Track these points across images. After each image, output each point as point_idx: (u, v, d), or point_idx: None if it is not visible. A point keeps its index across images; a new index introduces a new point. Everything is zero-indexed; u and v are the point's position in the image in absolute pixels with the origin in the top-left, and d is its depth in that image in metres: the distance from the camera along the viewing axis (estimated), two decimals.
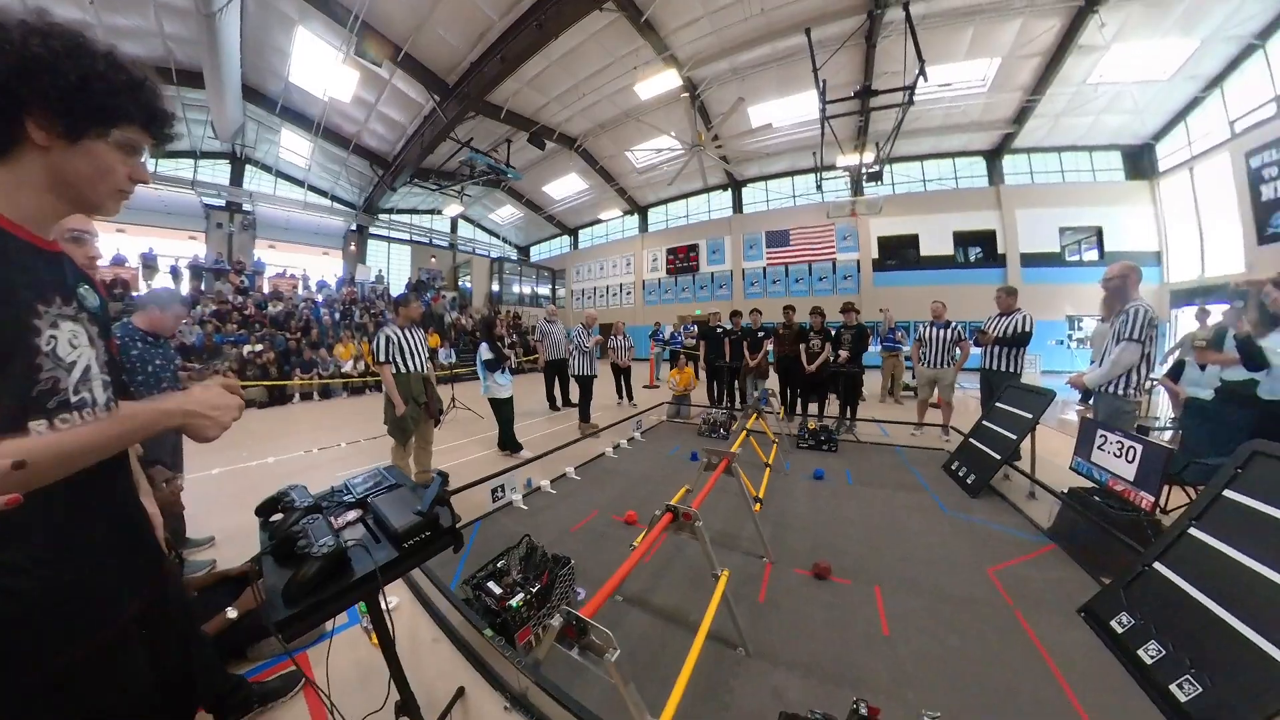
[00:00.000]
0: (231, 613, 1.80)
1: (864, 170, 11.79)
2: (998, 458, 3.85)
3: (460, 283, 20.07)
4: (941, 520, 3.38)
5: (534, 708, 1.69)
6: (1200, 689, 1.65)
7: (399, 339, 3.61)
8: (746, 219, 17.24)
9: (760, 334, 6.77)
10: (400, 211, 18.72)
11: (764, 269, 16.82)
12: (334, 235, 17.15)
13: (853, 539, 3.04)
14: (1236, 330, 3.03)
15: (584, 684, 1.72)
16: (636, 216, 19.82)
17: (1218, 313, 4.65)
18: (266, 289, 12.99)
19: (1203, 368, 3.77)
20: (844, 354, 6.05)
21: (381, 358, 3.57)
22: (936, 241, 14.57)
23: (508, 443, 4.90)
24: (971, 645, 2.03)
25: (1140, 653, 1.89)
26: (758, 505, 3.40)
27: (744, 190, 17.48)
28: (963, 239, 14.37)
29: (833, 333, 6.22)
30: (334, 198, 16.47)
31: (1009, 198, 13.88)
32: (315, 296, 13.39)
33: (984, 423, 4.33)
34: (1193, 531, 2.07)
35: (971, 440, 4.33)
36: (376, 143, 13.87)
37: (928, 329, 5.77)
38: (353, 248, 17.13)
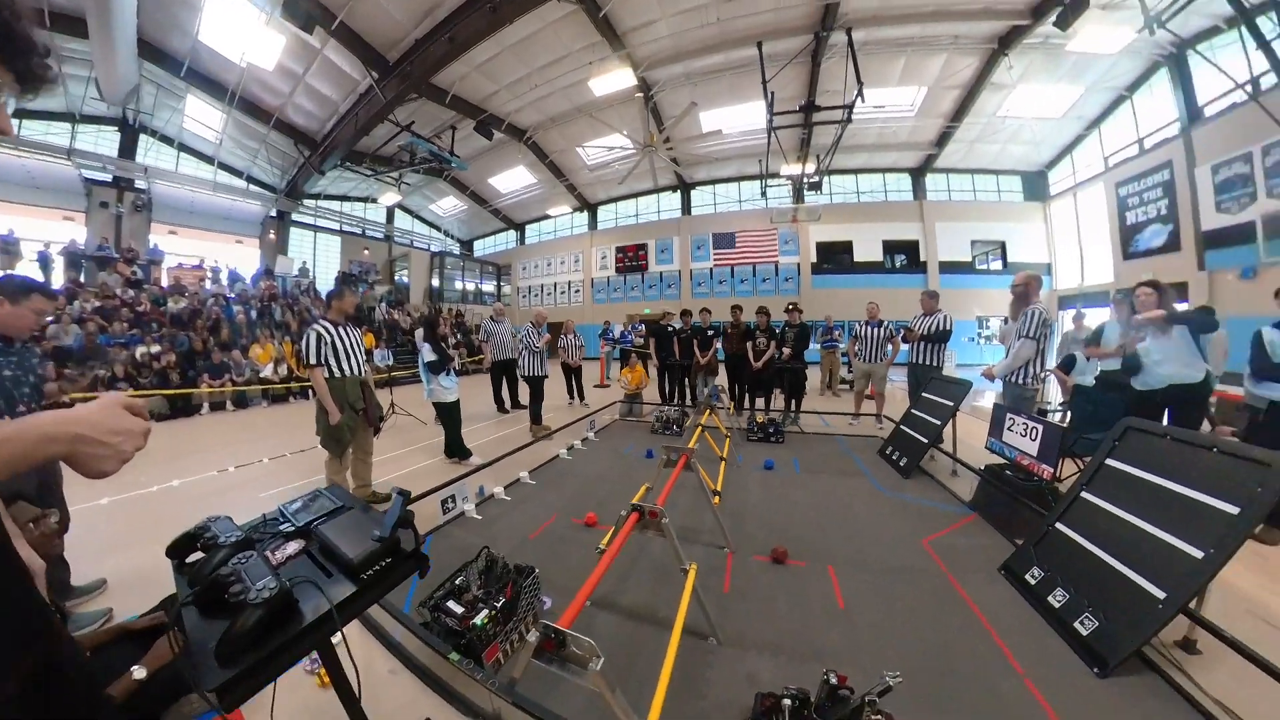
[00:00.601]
0: (139, 672, 1.36)
1: (805, 180, 12.65)
2: (925, 441, 4.29)
3: (396, 277, 18.90)
4: (880, 500, 3.71)
5: None
6: (1097, 623, 1.97)
7: (332, 337, 3.24)
8: (695, 220, 17.71)
9: (710, 333, 7.03)
10: (329, 198, 17.16)
11: (711, 270, 17.34)
12: (249, 221, 15.06)
13: (804, 523, 3.26)
14: (1129, 322, 3.68)
15: (560, 695, 1.69)
16: (586, 214, 19.70)
17: (1094, 315, 5.45)
18: (165, 281, 11.30)
19: (1088, 359, 4.44)
20: (788, 351, 6.42)
21: (312, 359, 3.17)
22: (868, 248, 15.82)
23: (455, 449, 4.64)
24: (915, 609, 2.28)
25: (1050, 599, 2.22)
26: (716, 498, 3.48)
27: (693, 192, 17.94)
28: (890, 247, 15.73)
29: (777, 331, 6.58)
30: (250, 179, 14.70)
31: (930, 211, 15.42)
32: (227, 291, 11.81)
33: (912, 411, 4.80)
34: (1084, 495, 2.45)
35: (902, 427, 4.78)
36: (303, 119, 12.49)
37: (863, 327, 6.33)
38: (272, 236, 15.20)
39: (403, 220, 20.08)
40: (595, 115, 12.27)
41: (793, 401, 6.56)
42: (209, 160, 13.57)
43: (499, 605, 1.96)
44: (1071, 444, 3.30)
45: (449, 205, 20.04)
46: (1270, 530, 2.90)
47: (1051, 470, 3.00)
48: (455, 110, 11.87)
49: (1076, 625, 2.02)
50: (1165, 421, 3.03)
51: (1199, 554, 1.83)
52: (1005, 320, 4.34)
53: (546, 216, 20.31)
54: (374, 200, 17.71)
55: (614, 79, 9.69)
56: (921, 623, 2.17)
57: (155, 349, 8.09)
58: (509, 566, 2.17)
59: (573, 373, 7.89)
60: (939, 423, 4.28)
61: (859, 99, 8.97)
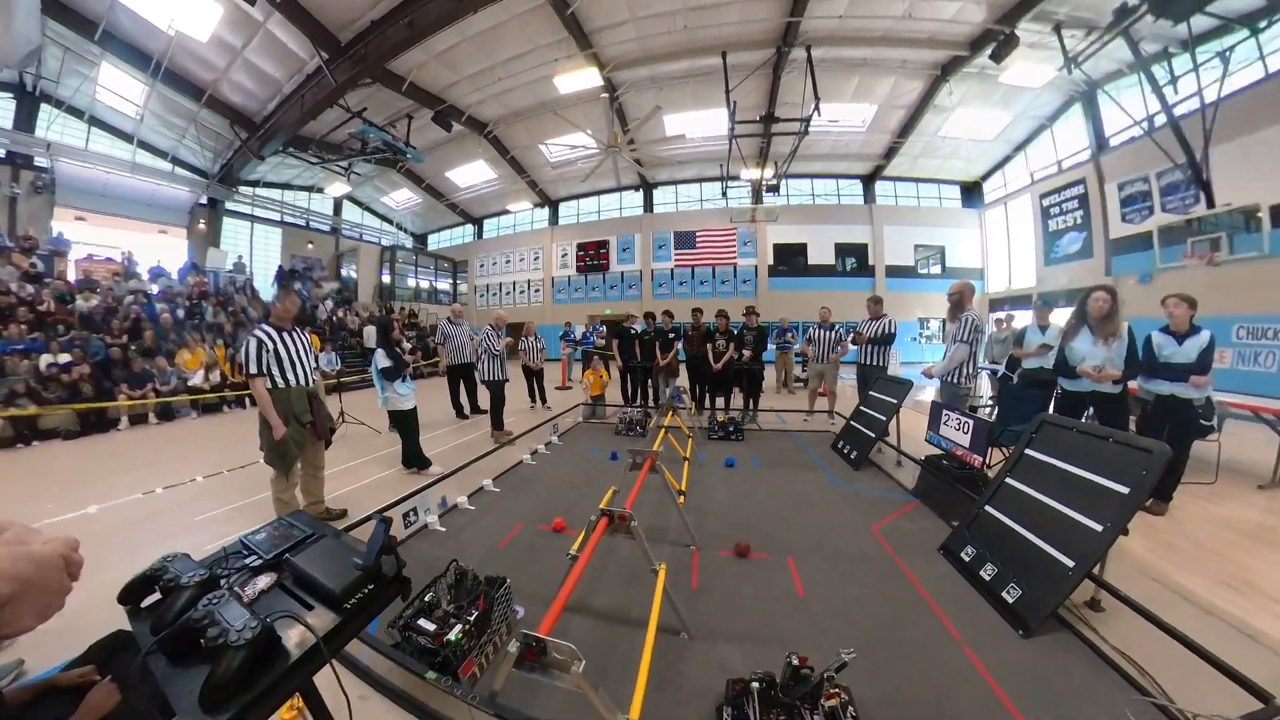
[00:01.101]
0: None
1: (764, 183, 13.15)
2: (873, 435, 4.65)
3: (344, 273, 17.89)
4: (833, 492, 3.98)
5: None
6: (1021, 591, 2.26)
7: (274, 344, 2.99)
8: (656, 218, 17.92)
9: (671, 335, 7.22)
10: (270, 185, 15.86)
11: (672, 270, 17.62)
12: (175, 209, 13.66)
13: (765, 517, 3.46)
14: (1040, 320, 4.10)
15: (539, 702, 1.72)
16: (547, 210, 19.47)
17: (1021, 317, 6.02)
18: (73, 275, 10.09)
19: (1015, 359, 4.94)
20: (747, 353, 6.69)
21: (252, 368, 2.93)
22: (821, 251, 16.62)
23: (414, 459, 4.48)
24: (867, 591, 2.50)
25: (981, 573, 2.51)
26: (681, 498, 3.57)
27: (655, 191, 18.15)
28: (842, 250, 16.59)
29: (735, 332, 6.84)
30: (177, 161, 13.18)
31: (879, 215, 16.40)
32: (149, 287, 10.67)
33: (861, 408, 5.17)
34: (1008, 481, 2.77)
35: (852, 423, 5.13)
36: (241, 98, 11.38)
37: (816, 330, 6.72)
38: (202, 226, 13.91)
39: (351, 212, 19.08)
40: (560, 113, 12.20)
41: (751, 400, 6.84)
42: (127, 138, 12.19)
43: (472, 619, 1.94)
44: (998, 436, 3.68)
45: (402, 198, 19.24)
46: (1158, 504, 3.40)
47: (981, 459, 3.35)
48: (412, 99, 11.42)
49: (1004, 595, 2.31)
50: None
51: (1099, 527, 2.14)
52: (943, 323, 4.76)
53: (506, 211, 19.90)
54: (320, 190, 16.68)
55: (580, 78, 9.69)
56: (872, 602, 2.40)
57: (64, 357, 7.07)
58: (479, 578, 2.15)
59: (534, 375, 7.79)
60: (885, 418, 4.64)
61: (816, 113, 9.47)
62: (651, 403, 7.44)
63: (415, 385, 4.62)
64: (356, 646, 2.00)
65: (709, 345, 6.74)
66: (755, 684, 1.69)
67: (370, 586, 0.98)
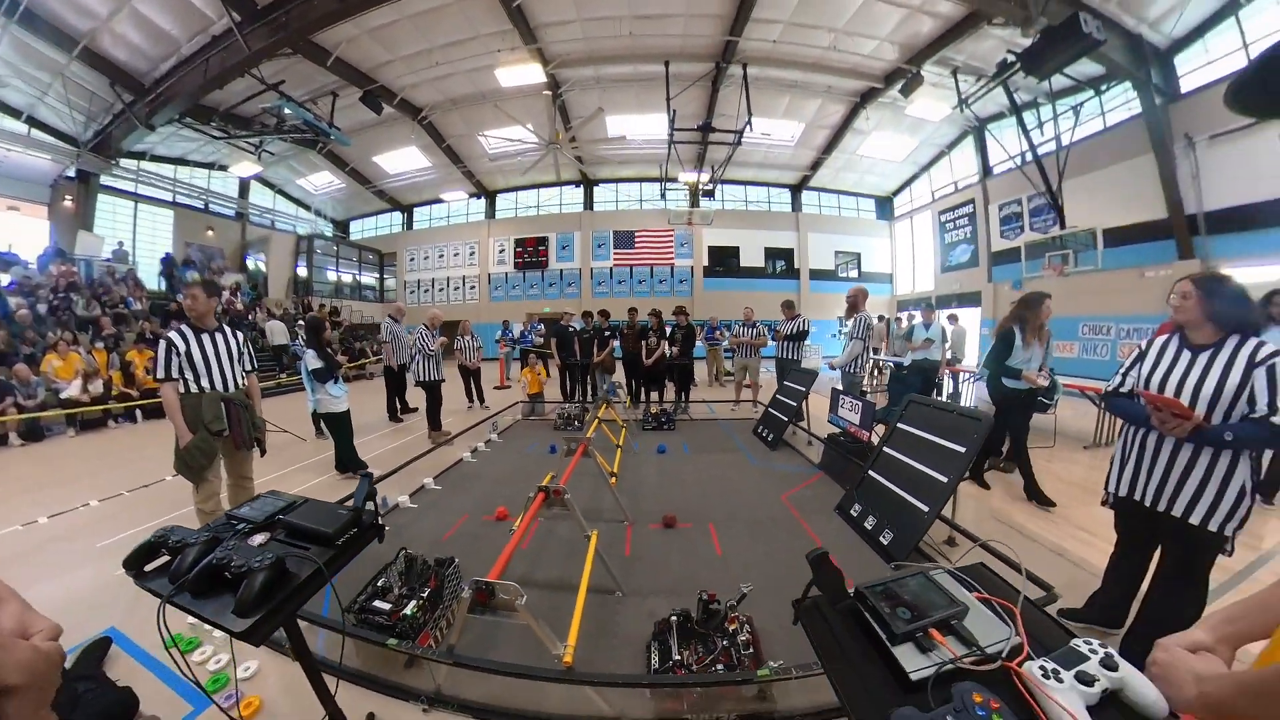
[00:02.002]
0: None
1: (700, 188, 13.85)
2: (786, 420, 5.25)
3: (250, 264, 16.26)
4: (751, 470, 4.49)
5: (453, 698, 1.80)
6: (893, 535, 2.79)
7: (187, 345, 2.80)
8: (597, 216, 18.13)
9: (607, 333, 7.56)
10: (160, 160, 13.79)
11: (611, 269, 17.93)
12: (31, 181, 11.52)
13: (691, 494, 3.86)
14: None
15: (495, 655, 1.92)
16: (484, 200, 18.95)
17: (918, 315, 6.98)
18: None
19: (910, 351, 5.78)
20: (676, 350, 7.17)
21: (159, 373, 2.76)
22: (753, 254, 17.71)
23: (349, 462, 4.40)
24: (774, 547, 2.95)
25: (865, 524, 3.04)
26: (614, 479, 3.83)
27: (595, 189, 18.33)
28: (771, 254, 17.79)
29: (668, 330, 7.29)
30: (35, 122, 10.83)
31: (804, 222, 17.78)
32: None
33: (777, 396, 5.76)
34: (886, 450, 3.33)
35: (769, 410, 5.71)
36: (126, 55, 9.71)
37: (741, 328, 7.34)
38: (69, 203, 11.80)
39: (262, 196, 17.22)
40: (500, 105, 12.02)
41: (682, 393, 7.32)
42: None
43: (425, 595, 2.11)
44: (884, 415, 4.34)
45: (322, 181, 17.75)
46: (1009, 463, 4.19)
47: (867, 434, 3.96)
48: (339, 75, 10.69)
49: (880, 539, 2.84)
50: None
51: (944, 479, 2.71)
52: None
53: (439, 200, 18.99)
54: (224, 168, 14.86)
55: (523, 72, 9.68)
56: (777, 555, 2.85)
57: None
58: (429, 562, 2.32)
59: (471, 375, 7.72)
60: (796, 404, 5.26)
61: (749, 126, 10.19)
62: (589, 399, 7.69)
63: (347, 388, 4.54)
64: (312, 637, 2.04)
65: (643, 342, 7.12)
66: (674, 618, 2.03)
67: (356, 529, 1.18)
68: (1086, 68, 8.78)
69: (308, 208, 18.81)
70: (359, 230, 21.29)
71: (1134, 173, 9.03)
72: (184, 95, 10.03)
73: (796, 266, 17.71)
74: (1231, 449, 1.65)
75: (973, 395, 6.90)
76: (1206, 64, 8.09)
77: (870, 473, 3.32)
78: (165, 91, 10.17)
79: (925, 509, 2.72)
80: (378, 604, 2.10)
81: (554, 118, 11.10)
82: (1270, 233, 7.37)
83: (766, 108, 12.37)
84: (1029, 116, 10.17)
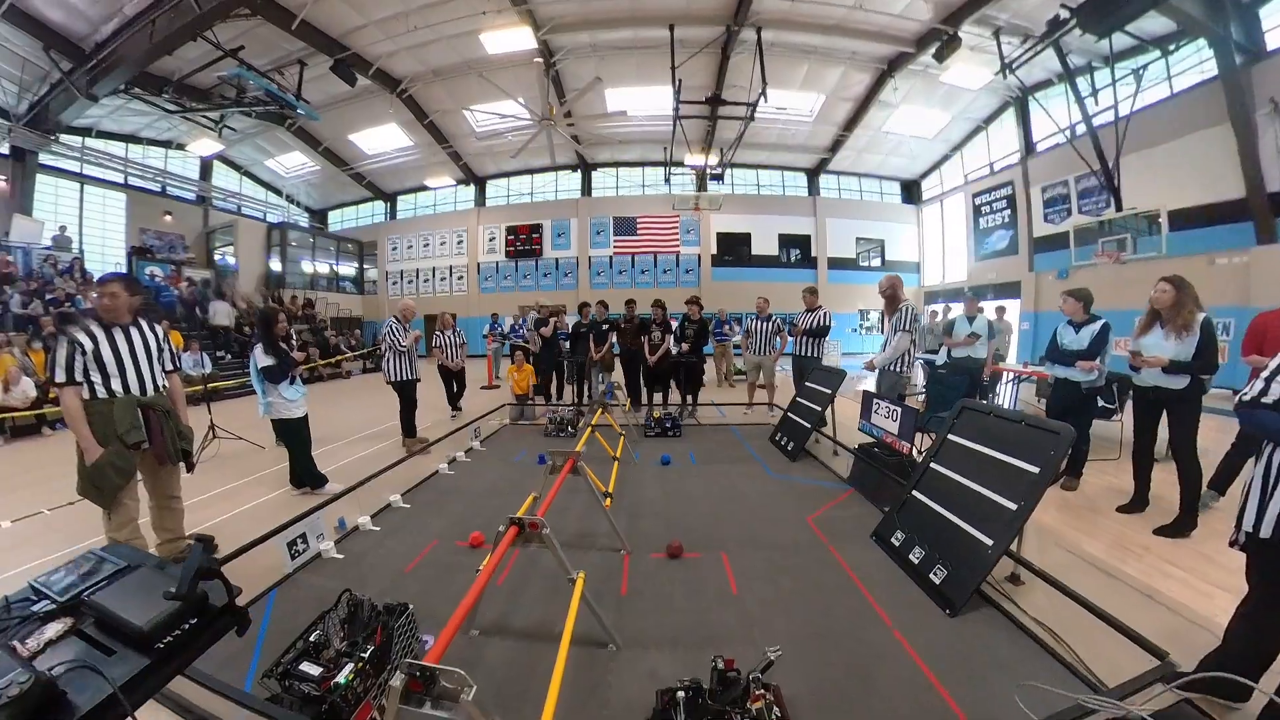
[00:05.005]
0: None
1: (708, 171, 13.46)
2: (808, 426, 4.88)
3: (217, 256, 15.92)
4: (770, 483, 4.14)
5: None
6: (946, 572, 2.44)
7: (95, 343, 2.53)
8: (595, 202, 17.81)
9: (605, 326, 7.18)
10: (107, 136, 13.36)
11: (611, 258, 17.59)
12: None
13: (700, 514, 3.53)
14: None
15: None
16: (473, 188, 18.67)
17: (956, 309, 6.60)
18: None
19: (947, 348, 5.40)
20: (684, 346, 6.78)
21: (59, 376, 2.47)
22: (765, 241, 17.36)
23: (305, 476, 4.13)
24: (801, 583, 2.61)
25: (910, 556, 2.69)
26: (608, 500, 3.52)
27: (594, 173, 18.01)
28: (786, 241, 17.44)
29: (673, 325, 6.92)
30: None
31: (822, 207, 17.42)
32: None
33: (797, 399, 5.42)
34: (933, 465, 2.98)
35: (789, 414, 5.37)
36: (63, 15, 9.25)
37: (754, 322, 6.99)
38: (3, 183, 11.33)
39: (227, 178, 16.91)
40: (487, 75, 11.66)
41: (690, 395, 6.96)
42: None
43: (366, 655, 1.82)
44: (925, 422, 3.98)
45: (294, 163, 17.49)
46: (1070, 480, 3.87)
47: (910, 446, 3.60)
48: (305, 41, 10.31)
49: (931, 576, 2.49)
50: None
51: (1014, 506, 2.35)
52: (881, 315, 5.10)
53: (424, 187, 18.76)
54: (181, 147, 14.52)
55: (511, 37, 9.35)
56: (805, 593, 2.50)
57: None
58: (377, 608, 2.02)
59: (454, 377, 7.18)
60: (820, 409, 4.89)
61: (763, 98, 9.77)
62: (585, 400, 7.38)
63: (306, 390, 4.22)
64: (224, 708, 1.79)
65: (645, 338, 6.77)
66: (682, 693, 1.68)
67: (193, 620, 0.93)
68: (1152, 24, 8.34)
69: (279, 193, 18.47)
70: (338, 221, 21.11)
71: (1206, 146, 8.58)
72: (129, 62, 9.58)
73: (813, 254, 17.34)
74: None
75: (1014, 400, 6.53)
76: None
77: (914, 493, 2.97)
78: (107, 58, 9.69)
79: (988, 542, 2.36)
80: (306, 668, 1.76)
81: (547, 90, 10.67)
82: None
83: (782, 78, 11.95)
84: (1082, 84, 9.60)
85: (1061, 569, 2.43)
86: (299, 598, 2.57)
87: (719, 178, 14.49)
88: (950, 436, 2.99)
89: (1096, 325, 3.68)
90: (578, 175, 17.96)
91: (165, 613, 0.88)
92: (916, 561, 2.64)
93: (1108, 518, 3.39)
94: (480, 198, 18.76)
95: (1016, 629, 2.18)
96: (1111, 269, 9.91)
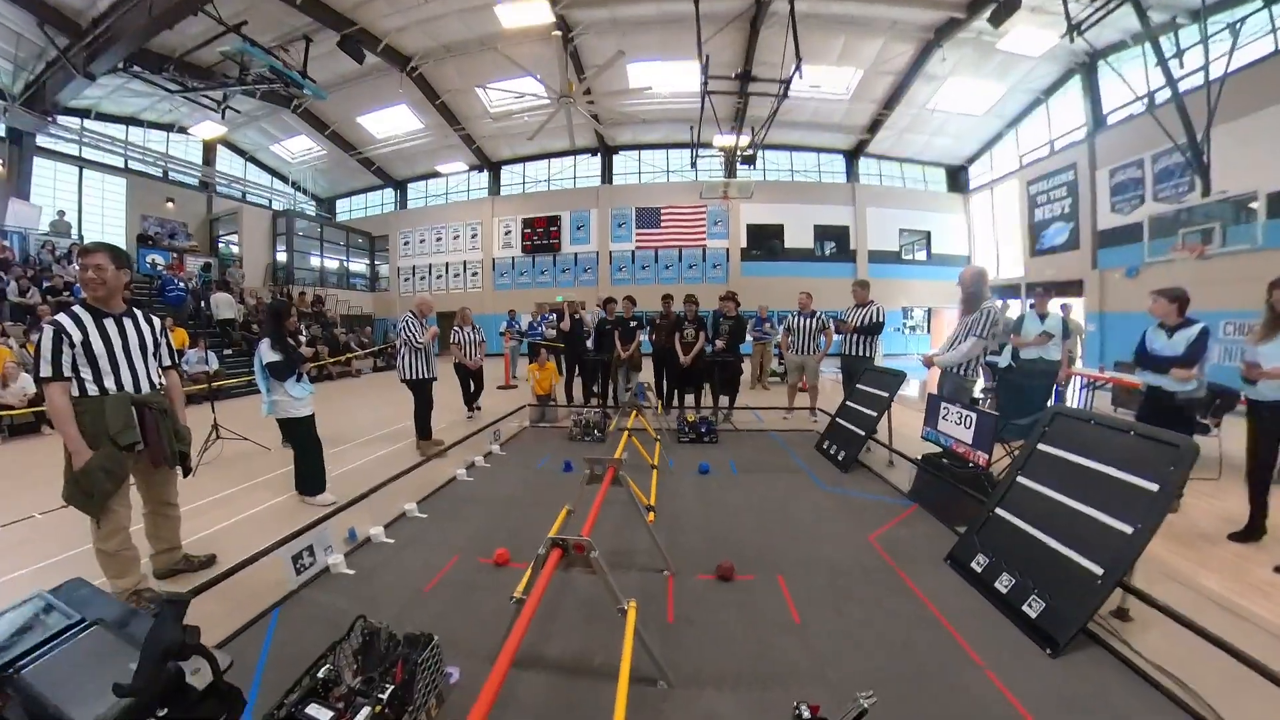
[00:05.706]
0: None
1: (739, 153, 13.18)
2: (862, 434, 4.68)
3: (220, 245, 16.25)
4: (821, 497, 3.97)
5: None
6: (1044, 604, 2.24)
7: (84, 334, 2.41)
8: (616, 190, 17.69)
9: (633, 323, 7.11)
10: (107, 118, 13.60)
11: (633, 252, 17.47)
12: None
13: (747, 530, 3.38)
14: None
15: None
16: (487, 174, 18.75)
17: (1015, 307, 6.30)
18: None
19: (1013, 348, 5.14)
20: (720, 343, 6.63)
21: (44, 370, 2.35)
22: (799, 233, 17.02)
23: (312, 481, 4.10)
24: (871, 612, 2.44)
25: (997, 585, 2.49)
26: (651, 514, 3.39)
27: (615, 157, 17.90)
28: (822, 233, 17.08)
29: (706, 321, 6.76)
30: None
31: (862, 195, 17.00)
32: None
33: (848, 403, 5.21)
34: (1020, 479, 2.78)
35: (839, 420, 5.17)
36: None
37: (795, 319, 6.81)
38: None
39: (232, 163, 17.26)
40: (502, 50, 11.60)
41: (726, 398, 6.81)
42: None
43: (386, 695, 1.66)
44: (1000, 430, 3.76)
45: (300, 147, 17.74)
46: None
47: (987, 457, 3.39)
48: (311, 16, 10.36)
49: (1025, 609, 2.29)
50: None
51: (1129, 529, 2.14)
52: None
53: (436, 174, 18.93)
54: (184, 130, 14.76)
55: (527, 10, 9.30)
56: (878, 624, 2.33)
57: None
58: (396, 638, 1.87)
59: (471, 376, 7.19)
60: (875, 414, 4.68)
61: (797, 74, 9.49)
62: (610, 402, 7.29)
63: (313, 388, 4.16)
64: None
65: (677, 335, 6.64)
66: None
67: (164, 712, 0.74)
68: None
69: (285, 179, 18.82)
70: (346, 210, 21.41)
71: None
72: (128, 37, 9.61)
73: (852, 247, 16.95)
74: None
75: (1088, 409, 6.20)
76: None
77: (998, 511, 2.77)
78: (105, 33, 9.70)
79: (1098, 571, 2.16)
80: (314, 711, 1.60)
81: (565, 66, 10.59)
82: None
83: (817, 52, 11.66)
84: (1164, 44, 8.68)
85: (1174, 604, 2.18)
86: (305, 618, 2.46)
87: (750, 161, 14.15)
88: (1041, 446, 2.78)
89: (1193, 330, 3.43)
90: (597, 160, 17.88)
91: (116, 709, 0.69)
92: (1004, 591, 2.44)
93: (1220, 546, 3.14)
94: (494, 185, 18.81)
95: (1132, 672, 1.98)
96: (1189, 265, 9.35)
